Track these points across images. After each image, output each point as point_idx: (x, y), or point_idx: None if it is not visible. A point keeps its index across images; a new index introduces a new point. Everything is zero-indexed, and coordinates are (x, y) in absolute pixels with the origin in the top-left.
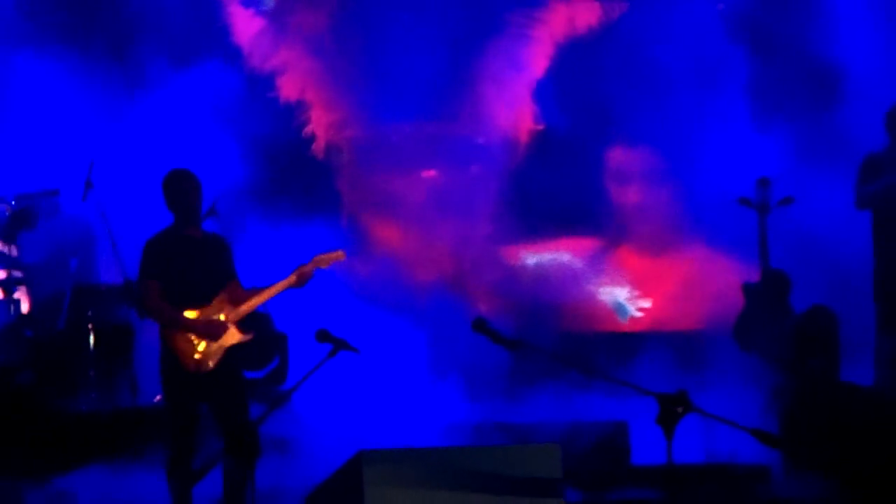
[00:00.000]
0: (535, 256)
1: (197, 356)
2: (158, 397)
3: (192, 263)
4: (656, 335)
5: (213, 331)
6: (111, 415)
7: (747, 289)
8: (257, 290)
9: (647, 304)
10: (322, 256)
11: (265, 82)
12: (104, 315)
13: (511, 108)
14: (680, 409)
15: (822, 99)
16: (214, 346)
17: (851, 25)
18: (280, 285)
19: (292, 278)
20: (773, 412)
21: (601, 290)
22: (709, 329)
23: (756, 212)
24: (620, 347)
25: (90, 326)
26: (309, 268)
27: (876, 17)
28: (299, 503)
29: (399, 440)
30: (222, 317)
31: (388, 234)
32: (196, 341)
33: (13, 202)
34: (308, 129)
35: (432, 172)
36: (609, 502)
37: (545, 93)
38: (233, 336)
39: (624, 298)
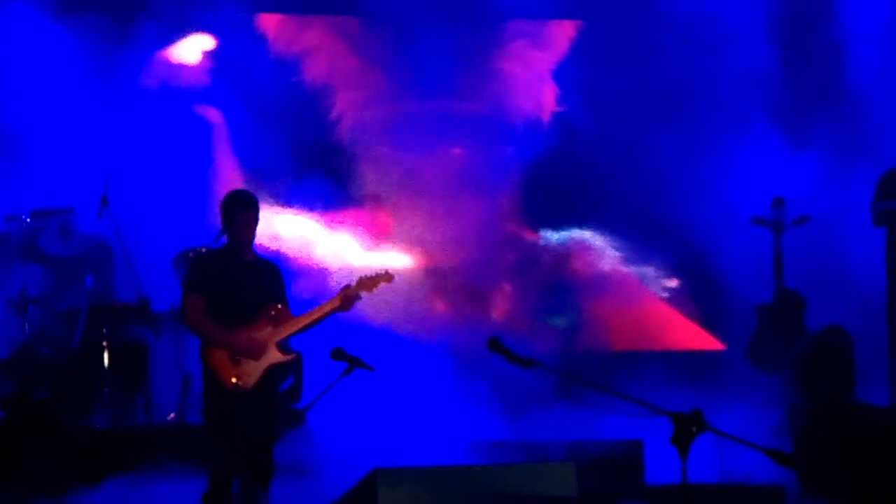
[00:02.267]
0: (557, 237)
1: (236, 375)
2: (172, 415)
3: (238, 283)
4: (671, 354)
5: (252, 349)
6: (126, 432)
7: (761, 309)
8: (302, 315)
9: (673, 283)
10: (368, 280)
11: (291, 66)
12: (119, 333)
13: (532, 89)
14: (694, 429)
15: (841, 115)
16: (254, 364)
17: (872, 39)
18: (325, 308)
19: (336, 302)
20: (788, 433)
21: (627, 267)
22: (723, 349)
23: (771, 231)
24: (634, 366)
25: (105, 344)
26: (354, 291)
27: None
28: None
29: (414, 458)
30: (264, 336)
31: (410, 220)
32: (235, 360)
33: (28, 219)
34: (334, 113)
35: (457, 151)
36: None
37: (566, 76)
38: (273, 356)
39: (651, 276)
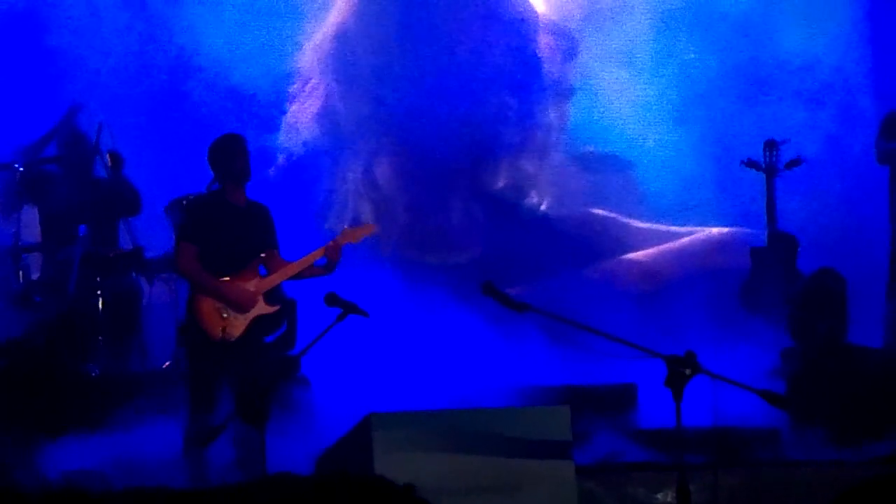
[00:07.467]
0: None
1: (223, 325)
2: (167, 364)
3: (231, 232)
4: (666, 295)
5: (242, 301)
6: (120, 380)
7: (755, 252)
8: (290, 264)
9: None
10: (351, 231)
11: None
12: (113, 281)
13: None
14: (688, 371)
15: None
16: (241, 316)
17: None
18: (310, 258)
19: (320, 252)
20: (782, 375)
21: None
22: (717, 291)
23: (763, 175)
24: (628, 309)
25: (99, 292)
26: (339, 242)
27: None
28: (310, 466)
29: (408, 404)
30: (251, 287)
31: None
32: (223, 309)
33: (20, 167)
34: None
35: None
36: (617, 465)
37: None
38: (259, 307)
39: None
